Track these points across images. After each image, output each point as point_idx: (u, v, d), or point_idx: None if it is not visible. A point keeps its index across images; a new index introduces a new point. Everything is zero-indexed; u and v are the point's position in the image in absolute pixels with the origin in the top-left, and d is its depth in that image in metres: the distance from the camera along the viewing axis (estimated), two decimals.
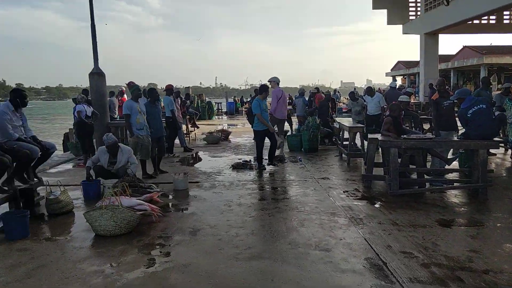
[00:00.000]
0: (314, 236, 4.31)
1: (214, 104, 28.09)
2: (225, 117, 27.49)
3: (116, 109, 13.36)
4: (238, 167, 8.30)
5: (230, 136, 13.73)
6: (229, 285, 3.24)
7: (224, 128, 15.05)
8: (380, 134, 6.87)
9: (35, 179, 5.60)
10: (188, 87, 27.69)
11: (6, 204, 4.95)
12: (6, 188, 4.95)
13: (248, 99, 26.19)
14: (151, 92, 8.07)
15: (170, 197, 6.14)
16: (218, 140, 12.57)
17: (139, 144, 7.16)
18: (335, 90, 29.90)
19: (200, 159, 9.74)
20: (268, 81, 9.33)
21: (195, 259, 3.74)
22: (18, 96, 5.47)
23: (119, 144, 6.53)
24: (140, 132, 7.18)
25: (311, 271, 3.46)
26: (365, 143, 8.17)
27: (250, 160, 8.97)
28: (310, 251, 3.90)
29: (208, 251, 3.94)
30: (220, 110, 30.14)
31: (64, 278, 3.36)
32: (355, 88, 17.77)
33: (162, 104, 10.53)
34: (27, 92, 5.89)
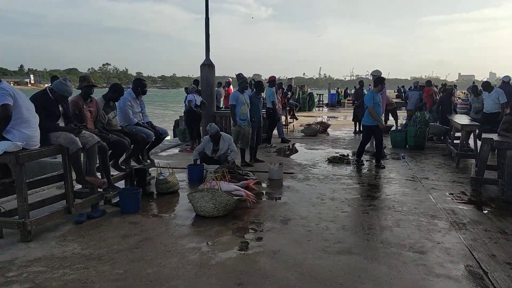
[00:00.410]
0: (409, 237, 4.12)
1: (316, 95, 27.94)
2: (325, 109, 27.18)
3: (222, 99, 14.12)
4: (334, 160, 8.21)
5: (329, 129, 13.59)
6: (315, 275, 3.28)
7: (323, 120, 14.93)
8: (496, 134, 6.22)
9: (148, 161, 6.25)
10: (291, 78, 27.98)
11: (123, 181, 5.62)
12: (124, 167, 5.62)
13: (352, 91, 25.49)
14: (258, 85, 8.38)
15: (265, 185, 6.35)
16: (316, 132, 12.54)
17: (240, 133, 7.53)
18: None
19: (296, 151, 9.84)
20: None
21: (284, 247, 3.86)
22: (139, 85, 6.16)
23: (221, 133, 6.95)
24: (242, 122, 7.54)
25: (402, 272, 3.34)
26: (479, 143, 7.45)
27: (348, 155, 8.81)
28: (403, 252, 3.75)
29: (297, 241, 4.02)
30: (321, 102, 29.89)
31: (166, 251, 3.74)
32: (474, 82, 16.17)
33: (264, 95, 10.88)
34: (146, 81, 6.56)
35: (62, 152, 4.35)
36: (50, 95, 4.43)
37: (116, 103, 5.73)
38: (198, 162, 6.87)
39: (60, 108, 4.52)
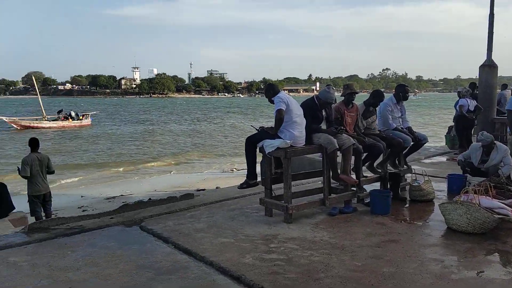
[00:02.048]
0: None
1: None
2: None
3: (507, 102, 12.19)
4: None
5: None
6: None
7: None
8: None
9: (404, 166, 6.23)
10: None
11: (378, 184, 5.84)
12: (379, 170, 5.83)
13: None
14: None
15: None
16: None
17: None
18: None
19: None
20: None
21: None
22: (401, 91, 6.27)
23: (495, 142, 6.14)
24: None
25: None
26: None
27: None
28: None
29: None
30: None
31: (406, 256, 3.73)
32: None
33: None
34: (409, 86, 6.56)
35: (321, 151, 4.97)
36: (316, 101, 5.15)
37: (376, 108, 6.01)
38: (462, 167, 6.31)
39: (323, 113, 5.17)
